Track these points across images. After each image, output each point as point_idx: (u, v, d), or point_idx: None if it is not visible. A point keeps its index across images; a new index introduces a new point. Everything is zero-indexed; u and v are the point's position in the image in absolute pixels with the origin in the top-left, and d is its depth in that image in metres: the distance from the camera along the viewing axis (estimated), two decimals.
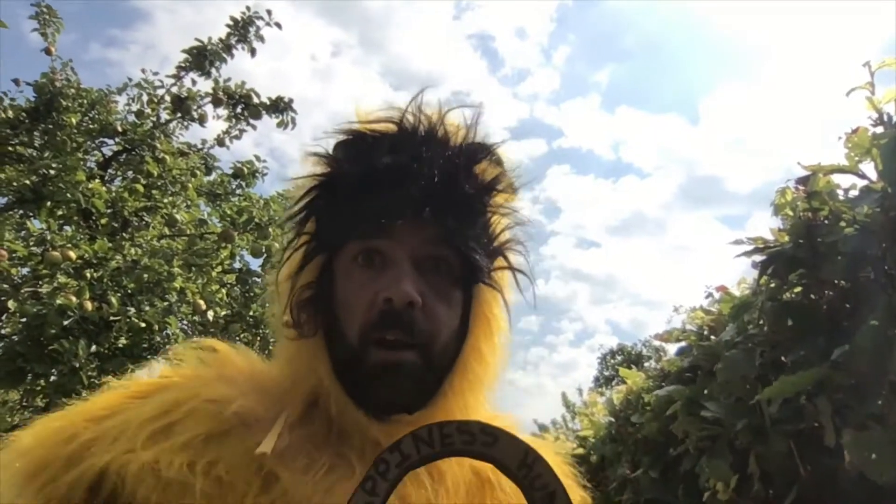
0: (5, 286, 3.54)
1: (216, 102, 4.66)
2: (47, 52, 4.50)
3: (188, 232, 4.87)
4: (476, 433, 0.49)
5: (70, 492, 0.61)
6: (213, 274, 4.74)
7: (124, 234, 4.43)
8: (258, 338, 4.96)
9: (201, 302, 4.26)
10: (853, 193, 1.55)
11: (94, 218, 4.38)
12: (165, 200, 4.85)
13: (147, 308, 3.78)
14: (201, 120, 4.77)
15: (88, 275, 3.74)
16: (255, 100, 4.71)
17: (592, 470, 3.73)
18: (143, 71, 4.76)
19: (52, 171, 4.07)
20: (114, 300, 3.62)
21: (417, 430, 0.49)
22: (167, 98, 4.70)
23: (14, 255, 3.63)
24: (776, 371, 1.70)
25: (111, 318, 3.58)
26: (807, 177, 1.62)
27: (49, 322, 3.33)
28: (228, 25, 4.53)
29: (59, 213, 4.21)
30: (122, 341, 3.67)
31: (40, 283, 3.64)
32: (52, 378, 3.40)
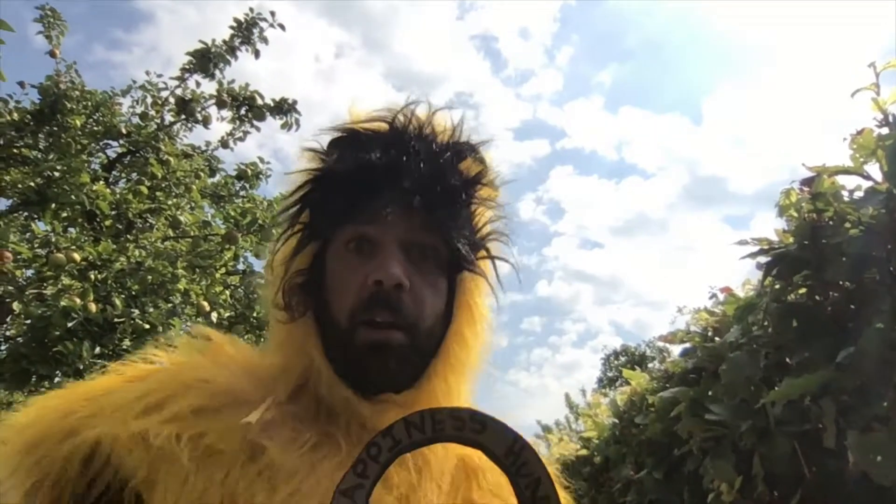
0: (10, 288, 3.55)
1: (220, 104, 4.67)
2: (52, 54, 4.51)
3: (192, 234, 4.88)
4: (466, 420, 0.51)
5: (65, 464, 0.63)
6: (217, 275, 4.75)
7: (128, 236, 4.45)
8: (262, 339, 4.96)
9: (205, 303, 4.27)
10: (858, 195, 1.54)
11: (98, 220, 4.40)
12: (169, 202, 4.86)
13: (151, 310, 3.78)
14: (205, 122, 4.78)
15: (93, 276, 3.75)
16: (259, 101, 4.71)
17: (596, 471, 3.72)
18: (147, 73, 4.78)
19: (56, 174, 4.09)
20: (118, 302, 3.63)
21: (410, 415, 0.50)
22: (171, 100, 4.71)
23: (19, 256, 3.64)
24: (780, 373, 1.70)
25: (115, 319, 3.59)
26: (811, 178, 1.62)
27: (53, 324, 3.34)
28: (232, 27, 4.54)
29: (64, 215, 4.22)
30: (126, 343, 3.67)
31: (45, 284, 3.66)
32: (57, 380, 3.40)
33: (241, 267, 5.06)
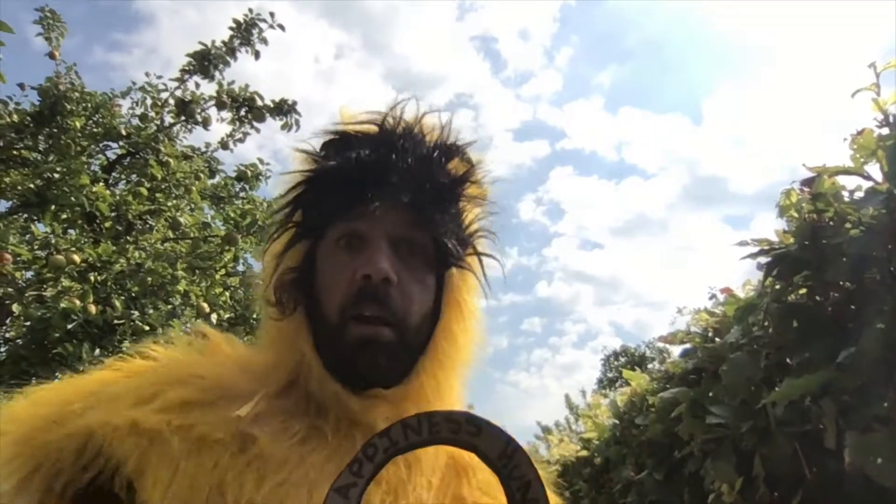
0: (10, 290, 3.55)
1: (220, 105, 4.66)
2: (51, 56, 4.51)
3: (192, 235, 4.87)
4: (462, 423, 0.52)
5: (59, 455, 0.64)
6: (217, 277, 4.75)
7: (128, 238, 4.44)
8: None
9: (205, 305, 4.27)
10: (858, 195, 1.54)
11: (98, 221, 4.39)
12: (169, 204, 4.86)
13: (151, 311, 3.78)
14: (205, 123, 4.78)
15: (92, 278, 3.75)
16: (259, 102, 4.71)
17: (596, 472, 3.72)
18: (147, 74, 4.76)
19: (56, 175, 4.08)
20: (118, 303, 3.62)
21: (407, 418, 0.51)
22: (171, 101, 4.70)
23: (18, 258, 3.64)
24: (781, 373, 1.70)
25: (115, 321, 3.59)
26: (812, 178, 1.62)
27: (53, 325, 3.34)
28: (231, 28, 4.53)
29: (64, 216, 4.22)
30: (126, 345, 3.67)
31: (44, 286, 3.65)
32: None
33: (240, 268, 5.06)
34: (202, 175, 5.20)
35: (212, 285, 4.66)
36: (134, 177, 4.91)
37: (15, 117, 4.23)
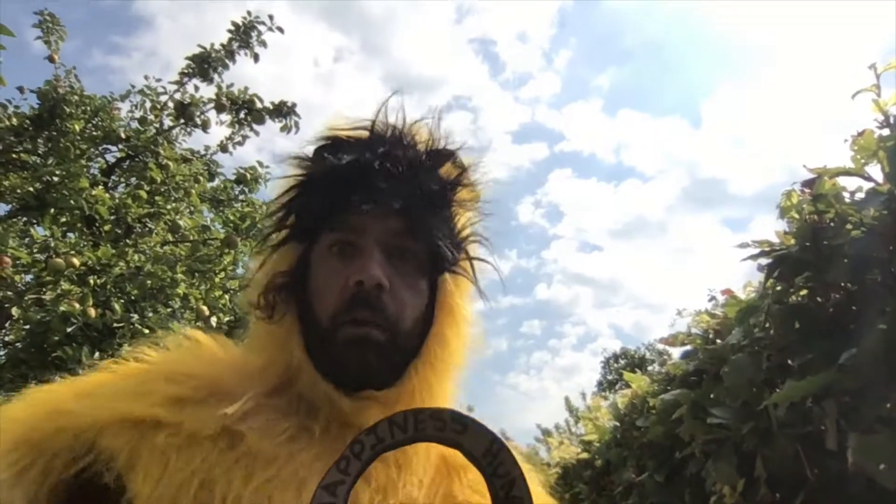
0: (9, 293, 3.54)
1: (219, 108, 4.66)
2: (51, 59, 4.50)
3: (191, 238, 4.87)
4: (447, 421, 0.52)
5: (53, 455, 0.65)
6: (217, 280, 4.74)
7: (128, 241, 4.43)
8: None
9: (204, 308, 4.26)
10: (859, 196, 1.54)
11: (97, 224, 4.38)
12: (169, 207, 4.85)
13: (150, 314, 3.78)
14: (204, 126, 4.77)
15: (92, 281, 3.74)
16: (258, 105, 4.70)
17: (597, 474, 3.72)
18: (146, 77, 4.77)
19: (55, 178, 4.08)
20: (117, 307, 3.62)
21: (393, 415, 0.52)
22: (170, 104, 4.70)
23: (18, 262, 3.63)
24: (782, 375, 1.70)
25: (114, 324, 3.58)
26: (812, 179, 1.62)
27: (52, 329, 3.34)
28: (230, 31, 4.53)
29: (63, 219, 4.22)
30: (126, 348, 3.66)
31: (44, 289, 3.64)
32: None
33: (240, 271, 5.05)
34: (201, 178, 5.19)
35: (211, 288, 4.65)
36: (133, 180, 4.90)
37: (14, 120, 4.22)
